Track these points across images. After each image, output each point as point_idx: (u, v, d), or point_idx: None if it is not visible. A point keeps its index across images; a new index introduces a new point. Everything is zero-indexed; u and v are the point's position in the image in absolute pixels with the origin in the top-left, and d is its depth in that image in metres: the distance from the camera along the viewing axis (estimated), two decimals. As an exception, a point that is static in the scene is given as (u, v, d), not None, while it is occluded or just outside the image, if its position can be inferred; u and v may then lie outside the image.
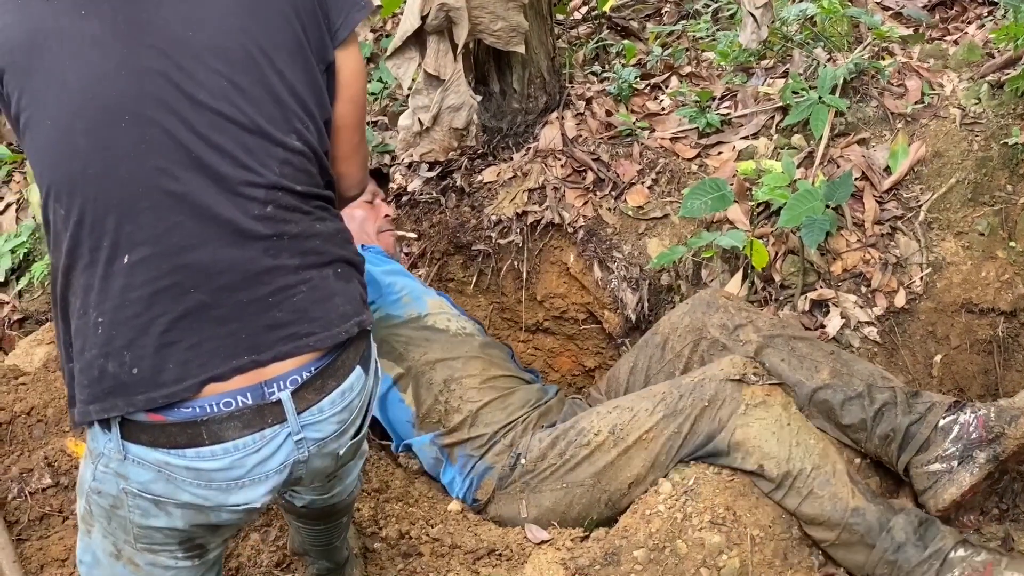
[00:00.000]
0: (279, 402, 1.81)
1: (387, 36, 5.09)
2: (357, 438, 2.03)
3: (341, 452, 1.99)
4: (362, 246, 3.40)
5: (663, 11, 5.19)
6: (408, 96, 3.78)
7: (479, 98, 3.79)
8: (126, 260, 1.71)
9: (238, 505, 1.87)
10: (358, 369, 1.95)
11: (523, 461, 3.09)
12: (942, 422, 2.90)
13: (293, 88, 1.82)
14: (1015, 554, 2.65)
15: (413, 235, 3.74)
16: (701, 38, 4.67)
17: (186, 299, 1.73)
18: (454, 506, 3.18)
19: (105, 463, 1.83)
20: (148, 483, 1.81)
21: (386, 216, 3.62)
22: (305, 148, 1.84)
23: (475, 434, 3.16)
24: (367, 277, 3.10)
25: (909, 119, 3.63)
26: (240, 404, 1.78)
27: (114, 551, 1.98)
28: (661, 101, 4.21)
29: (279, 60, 1.80)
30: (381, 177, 3.81)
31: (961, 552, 2.65)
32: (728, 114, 3.98)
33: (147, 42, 1.70)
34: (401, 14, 3.77)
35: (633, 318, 3.71)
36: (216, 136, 1.74)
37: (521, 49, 3.73)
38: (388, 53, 3.73)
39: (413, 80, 3.76)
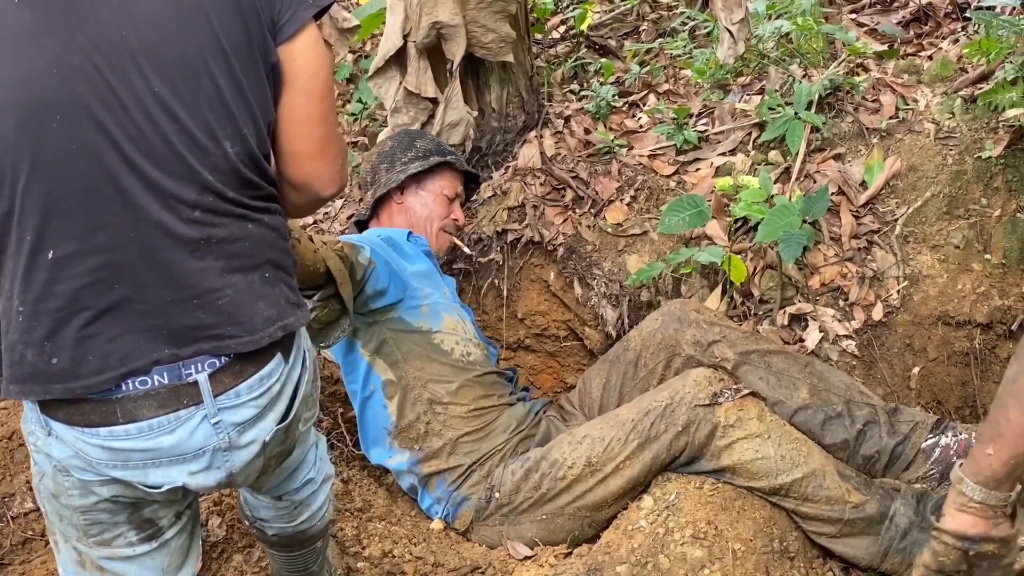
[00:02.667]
0: (195, 383, 1.81)
1: (366, 57, 5.10)
2: (283, 424, 1.98)
3: (267, 439, 1.95)
4: (410, 233, 3.43)
5: (641, 29, 5.21)
6: (387, 115, 3.81)
7: (475, 113, 3.83)
8: (51, 255, 1.70)
9: (159, 486, 1.86)
10: (278, 356, 1.92)
11: (497, 495, 3.10)
12: (925, 443, 2.93)
13: (230, 92, 1.78)
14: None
15: (468, 251, 3.73)
16: (678, 56, 4.70)
17: (110, 294, 1.73)
18: (436, 525, 3.18)
19: (34, 441, 1.85)
20: (69, 460, 1.81)
21: (455, 219, 3.62)
22: (240, 153, 1.81)
23: (452, 464, 3.17)
24: (395, 273, 3.15)
25: (884, 134, 3.66)
26: (156, 383, 1.78)
27: (77, 558, 1.98)
28: (639, 118, 4.23)
29: (217, 64, 1.76)
30: (472, 180, 3.78)
31: None
32: (705, 131, 4.01)
33: (81, 39, 1.66)
34: (380, 35, 3.79)
35: (614, 334, 3.72)
36: (146, 141, 1.71)
37: (510, 58, 3.77)
38: (370, 73, 3.75)
39: (395, 99, 3.78)
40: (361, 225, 3.66)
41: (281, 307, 1.90)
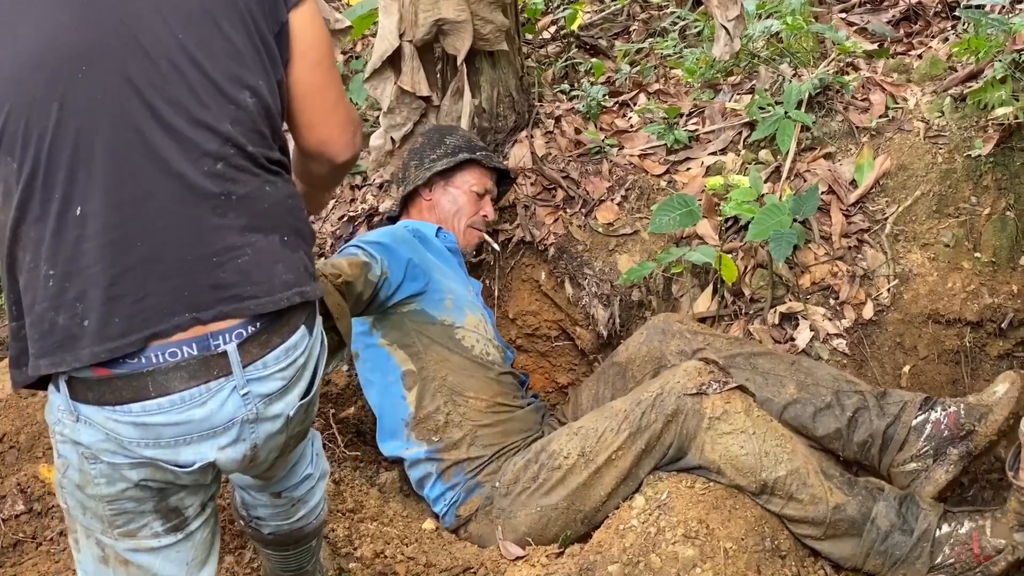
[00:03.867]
0: (224, 354, 1.82)
1: (357, 58, 5.09)
2: (305, 400, 2.01)
3: (291, 413, 1.97)
4: (439, 229, 3.49)
5: (631, 29, 5.22)
6: (379, 116, 3.80)
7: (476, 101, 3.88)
8: (78, 211, 1.72)
9: (190, 464, 1.86)
10: (302, 328, 1.95)
11: (497, 484, 3.12)
12: (915, 421, 2.94)
13: (244, 45, 1.84)
14: (997, 512, 2.68)
15: (496, 246, 3.74)
16: (669, 55, 4.70)
17: (132, 253, 1.74)
18: (428, 525, 3.18)
19: (61, 430, 1.84)
20: (99, 444, 1.81)
21: (484, 215, 3.63)
22: (258, 106, 1.85)
23: (473, 455, 3.19)
24: (417, 267, 3.19)
25: (874, 133, 3.67)
26: (185, 355, 1.79)
27: (100, 554, 1.97)
28: (630, 118, 4.24)
29: (230, 17, 1.82)
30: (504, 178, 3.79)
31: (946, 528, 2.70)
32: (696, 130, 4.01)
33: None
34: (372, 35, 3.79)
35: (605, 334, 3.73)
36: (171, 89, 1.75)
37: (504, 47, 3.80)
38: (366, 75, 3.75)
39: (391, 100, 3.78)
40: (393, 221, 3.67)
41: (299, 274, 1.92)
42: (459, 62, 3.70)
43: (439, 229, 3.48)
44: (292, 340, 1.92)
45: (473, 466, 3.19)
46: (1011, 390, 2.88)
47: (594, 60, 4.75)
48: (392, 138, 3.78)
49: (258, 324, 1.86)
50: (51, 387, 1.85)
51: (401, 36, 3.66)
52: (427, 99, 3.78)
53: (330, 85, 2.02)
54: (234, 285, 1.82)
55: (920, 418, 2.94)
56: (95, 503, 1.90)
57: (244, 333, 1.84)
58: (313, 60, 1.98)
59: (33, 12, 1.72)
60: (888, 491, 2.80)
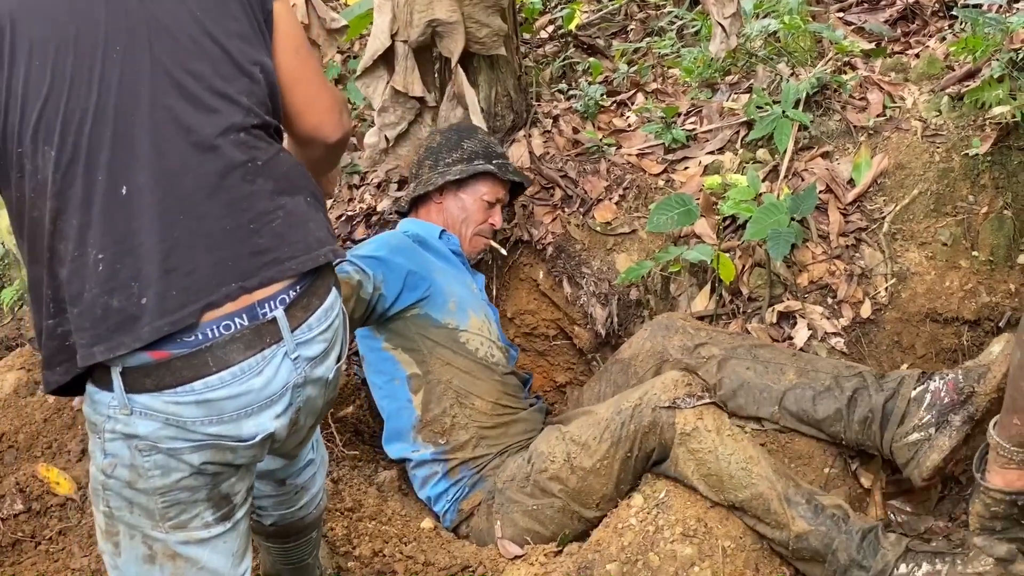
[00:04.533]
0: (274, 320, 1.87)
1: (354, 57, 5.09)
2: (340, 363, 2.08)
3: (330, 377, 2.04)
4: (443, 231, 3.46)
5: (629, 29, 5.22)
6: (374, 115, 3.80)
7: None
8: (124, 191, 1.76)
9: (253, 437, 1.90)
10: (334, 290, 2.02)
11: (498, 480, 3.15)
12: (914, 393, 2.93)
13: (249, 26, 1.93)
14: (958, 554, 2.66)
15: (503, 251, 3.72)
16: (666, 55, 4.70)
17: (176, 227, 1.78)
18: (427, 523, 3.18)
19: (111, 427, 1.84)
20: (158, 432, 1.82)
21: (491, 224, 3.58)
22: (266, 81, 1.94)
23: (479, 453, 3.21)
24: (416, 274, 3.18)
25: (871, 132, 3.67)
26: (239, 326, 1.83)
27: (146, 552, 1.97)
28: (627, 117, 4.24)
29: (235, 1, 1.92)
30: (517, 188, 3.72)
31: (903, 569, 2.66)
32: (694, 129, 4.01)
33: None
34: (368, 35, 3.79)
35: (603, 333, 3.73)
36: (194, 63, 1.83)
37: (502, 51, 3.78)
38: (358, 73, 3.74)
39: (383, 98, 3.78)
40: (401, 215, 3.68)
41: (327, 232, 2.00)
42: (453, 64, 3.69)
43: (443, 232, 3.46)
44: (329, 301, 1.99)
45: (478, 464, 3.21)
46: (1007, 347, 2.87)
47: (592, 60, 4.75)
48: (386, 137, 3.78)
49: (298, 288, 1.92)
50: (92, 387, 1.86)
51: (394, 36, 3.66)
52: (421, 100, 3.78)
53: (313, 71, 2.10)
54: (273, 249, 1.88)
55: (919, 389, 2.93)
56: (146, 497, 1.90)
57: (287, 298, 1.90)
58: (293, 47, 2.05)
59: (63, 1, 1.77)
60: (852, 522, 2.75)
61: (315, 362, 1.97)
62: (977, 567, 2.59)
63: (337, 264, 2.06)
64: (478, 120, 3.74)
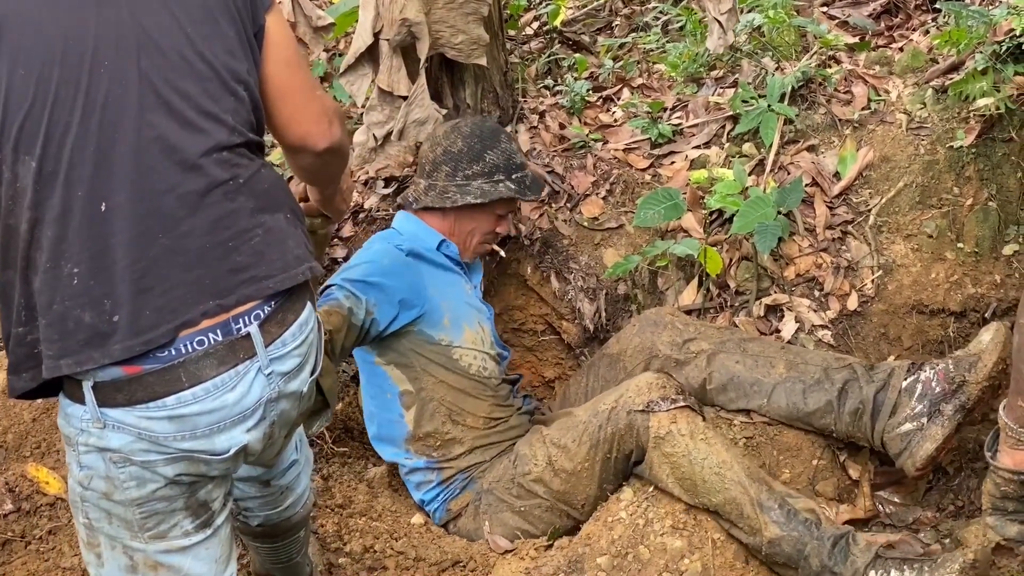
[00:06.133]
0: (248, 336, 1.86)
1: (340, 55, 5.08)
2: (314, 376, 2.07)
3: (304, 390, 2.02)
4: (442, 242, 3.31)
5: (614, 24, 5.23)
6: (363, 113, 3.80)
7: (444, 111, 3.81)
8: (103, 207, 1.74)
9: (226, 450, 1.89)
10: (309, 305, 2.00)
11: (485, 481, 3.16)
12: (904, 383, 2.94)
13: (238, 42, 1.91)
14: (926, 561, 2.66)
15: (503, 253, 3.67)
16: (651, 50, 4.71)
17: (155, 246, 1.77)
18: (417, 519, 3.19)
19: (85, 440, 1.83)
20: (131, 445, 1.81)
21: (498, 231, 3.44)
22: (248, 97, 1.91)
23: (474, 461, 3.21)
24: (410, 293, 3.11)
25: (856, 125, 3.68)
26: (212, 342, 1.82)
27: (128, 562, 1.96)
28: (613, 113, 4.25)
29: (227, 15, 1.89)
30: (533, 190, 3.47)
31: (872, 575, 2.68)
32: (680, 124, 4.02)
33: None
34: (354, 33, 3.78)
35: (591, 328, 3.74)
36: (181, 81, 1.80)
37: (483, 61, 3.76)
38: (341, 70, 3.74)
39: (367, 96, 3.77)
40: (401, 208, 3.51)
41: (304, 249, 1.98)
42: (420, 65, 3.66)
43: (442, 241, 3.32)
44: (303, 316, 1.98)
45: (472, 470, 3.21)
46: (997, 336, 2.90)
47: (577, 55, 4.76)
48: (374, 135, 3.77)
49: (273, 303, 1.91)
50: (65, 400, 1.85)
51: (378, 34, 3.65)
52: (406, 99, 3.77)
53: (302, 82, 2.07)
54: (252, 267, 1.86)
55: (909, 380, 2.95)
56: (124, 509, 1.89)
57: (262, 314, 1.88)
58: (284, 59, 2.03)
59: (52, 7, 1.74)
60: (824, 527, 2.74)
61: (289, 376, 1.96)
62: (944, 574, 2.61)
63: (323, 296, 2.04)
64: (428, 132, 3.69)
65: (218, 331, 1.83)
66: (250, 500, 2.44)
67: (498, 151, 3.30)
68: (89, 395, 1.78)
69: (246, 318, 1.86)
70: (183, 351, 1.79)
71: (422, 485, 3.25)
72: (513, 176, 3.30)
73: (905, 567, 2.66)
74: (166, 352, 1.78)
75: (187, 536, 1.96)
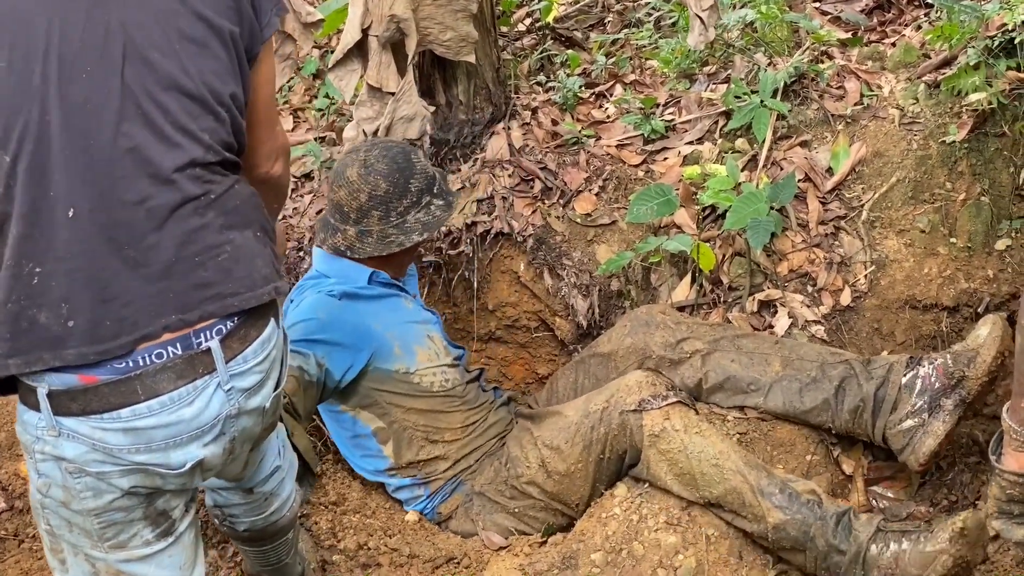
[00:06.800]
0: (208, 351, 1.84)
1: (331, 52, 5.08)
2: (277, 390, 2.04)
3: (267, 405, 2.00)
4: (372, 274, 3.18)
5: (606, 21, 5.22)
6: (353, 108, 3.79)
7: (432, 108, 3.81)
8: (71, 213, 1.72)
9: (182, 465, 1.87)
10: (273, 321, 1.98)
11: (475, 484, 3.17)
12: (904, 380, 2.95)
13: (230, 67, 1.90)
14: (922, 531, 2.69)
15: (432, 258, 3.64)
16: (644, 46, 4.70)
17: (120, 256, 1.75)
18: (411, 516, 3.18)
19: (41, 448, 1.82)
20: (85, 456, 1.79)
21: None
22: (229, 119, 1.90)
23: (460, 468, 3.20)
24: (357, 336, 3.05)
25: (849, 120, 3.68)
26: (171, 355, 1.80)
27: (91, 570, 1.95)
28: (606, 109, 4.24)
29: (223, 38, 1.88)
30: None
31: (874, 550, 2.68)
32: (672, 120, 4.02)
33: None
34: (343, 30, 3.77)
35: (584, 324, 3.74)
36: (162, 95, 1.79)
37: (472, 59, 3.75)
38: (330, 65, 3.73)
39: (356, 92, 3.76)
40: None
41: (272, 268, 1.96)
42: (409, 62, 3.65)
43: (372, 273, 3.20)
44: (266, 333, 1.95)
45: (459, 476, 3.21)
46: (994, 330, 2.91)
47: (570, 52, 4.75)
48: (364, 131, 3.76)
49: (236, 319, 1.88)
50: (21, 406, 1.83)
51: (366, 30, 3.64)
52: (394, 95, 3.76)
53: (270, 118, 2.13)
54: (217, 283, 1.84)
55: (909, 375, 2.96)
56: (82, 518, 1.88)
57: (224, 329, 1.86)
58: (268, 94, 2.08)
59: (43, 6, 1.73)
60: (826, 506, 2.76)
61: (250, 393, 1.94)
62: (936, 543, 2.61)
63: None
64: (418, 131, 3.70)
65: (178, 344, 1.81)
66: (234, 507, 2.42)
67: (418, 175, 3.17)
68: (44, 403, 1.77)
69: (207, 332, 1.84)
70: (141, 363, 1.78)
71: (411, 500, 3.25)
72: (435, 191, 3.21)
73: (903, 539, 2.68)
74: (123, 363, 1.77)
75: (148, 545, 1.95)
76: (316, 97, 5.07)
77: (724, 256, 3.54)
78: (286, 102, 5.12)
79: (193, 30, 1.83)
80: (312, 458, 2.90)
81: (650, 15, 5.01)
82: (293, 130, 4.77)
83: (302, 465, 2.83)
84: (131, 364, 1.77)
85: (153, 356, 1.78)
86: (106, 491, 1.84)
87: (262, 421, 2.02)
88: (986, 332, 2.92)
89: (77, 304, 1.73)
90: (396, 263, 3.25)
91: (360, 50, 3.69)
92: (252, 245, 1.92)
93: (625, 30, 4.95)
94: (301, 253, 4.01)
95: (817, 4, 4.62)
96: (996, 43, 3.45)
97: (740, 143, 3.78)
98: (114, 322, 1.75)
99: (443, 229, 3.86)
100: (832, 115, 3.72)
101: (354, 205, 3.13)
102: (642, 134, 3.96)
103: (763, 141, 3.69)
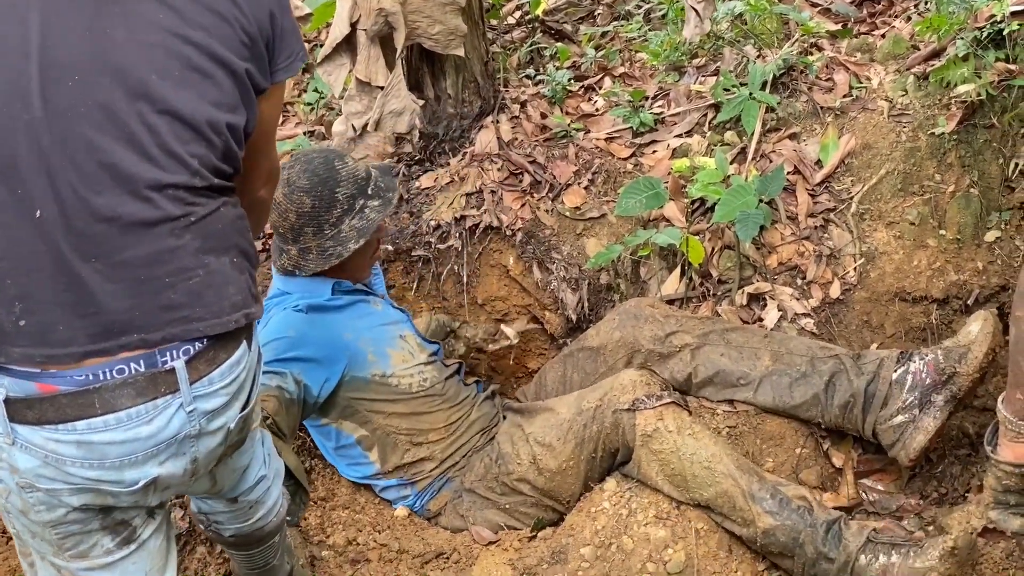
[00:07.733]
0: (172, 370, 1.80)
1: (320, 46, 5.07)
2: (245, 411, 2.00)
3: (231, 426, 1.96)
4: (335, 284, 3.14)
5: (596, 13, 5.22)
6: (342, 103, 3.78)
7: (421, 102, 3.79)
8: (39, 214, 1.69)
9: (135, 483, 1.84)
10: (243, 344, 1.94)
11: (464, 480, 3.16)
12: (894, 375, 2.95)
13: (233, 96, 1.86)
14: (912, 546, 2.68)
15: (513, 339, 3.63)
16: (633, 39, 4.70)
17: (86, 266, 1.72)
18: (400, 512, 3.18)
19: None
20: (36, 470, 1.77)
21: (381, 243, 3.37)
22: (222, 145, 1.86)
23: (447, 466, 3.19)
24: (328, 351, 3.00)
25: (838, 112, 3.68)
26: (133, 371, 1.77)
27: (57, 574, 1.94)
28: (595, 102, 4.23)
29: (225, 70, 1.83)
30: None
31: (863, 560, 2.67)
32: (661, 113, 4.02)
33: (117, 11, 1.72)
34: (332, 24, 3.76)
35: (574, 318, 3.73)
36: (153, 117, 1.75)
37: (460, 52, 3.74)
38: (319, 60, 3.72)
39: (345, 86, 3.75)
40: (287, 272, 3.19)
41: (245, 295, 1.92)
42: (397, 56, 3.64)
43: (335, 284, 3.16)
44: (236, 355, 1.92)
45: (446, 473, 3.20)
46: (985, 326, 2.91)
47: (559, 45, 4.75)
48: (353, 125, 3.75)
49: (205, 341, 1.85)
50: None
51: (355, 23, 3.63)
52: (383, 89, 3.75)
53: (268, 147, 2.11)
54: (184, 307, 1.80)
55: (899, 371, 2.96)
56: (40, 528, 1.87)
57: (191, 350, 1.83)
58: (270, 126, 2.07)
59: (40, 7, 1.70)
60: (817, 514, 2.75)
61: (213, 415, 1.90)
62: (926, 560, 2.61)
63: None
64: (407, 125, 3.68)
65: (141, 361, 1.77)
66: (219, 514, 2.40)
67: (344, 181, 3.07)
68: (0, 408, 1.74)
69: (173, 351, 1.81)
70: (101, 377, 1.75)
71: (399, 500, 3.24)
72: (369, 192, 3.11)
73: (893, 551, 2.67)
74: (84, 375, 1.74)
75: (109, 554, 1.94)
76: (305, 91, 5.06)
77: (713, 249, 3.53)
78: (275, 96, 5.09)
79: (199, 60, 1.79)
80: (302, 476, 2.89)
81: (639, 7, 5.02)
82: (282, 125, 4.75)
83: (294, 483, 2.81)
84: (91, 377, 1.74)
85: (114, 371, 1.75)
86: (58, 506, 1.83)
87: (225, 441, 1.98)
88: (977, 328, 2.92)
89: (32, 305, 1.71)
90: (353, 268, 3.18)
91: (349, 44, 3.68)
92: (227, 271, 1.88)
93: (614, 23, 4.96)
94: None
95: (806, -5, 4.62)
96: (985, 34, 3.45)
97: (729, 136, 3.78)
98: (68, 329, 1.72)
99: (432, 223, 3.85)
100: (821, 107, 3.71)
101: (286, 226, 3.06)
102: (631, 127, 3.95)
103: (752, 134, 3.69)
